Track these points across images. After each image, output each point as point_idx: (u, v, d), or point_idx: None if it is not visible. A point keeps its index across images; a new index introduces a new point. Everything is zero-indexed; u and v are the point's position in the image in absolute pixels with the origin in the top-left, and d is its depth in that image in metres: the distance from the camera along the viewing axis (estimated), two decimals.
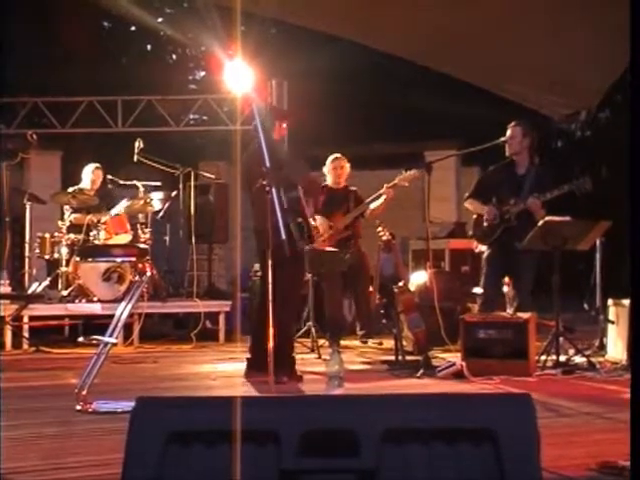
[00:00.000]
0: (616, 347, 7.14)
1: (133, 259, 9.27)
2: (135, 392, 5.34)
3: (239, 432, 2.50)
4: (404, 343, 7.46)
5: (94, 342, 5.67)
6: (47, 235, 9.55)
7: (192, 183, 10.51)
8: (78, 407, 5.09)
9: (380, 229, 7.86)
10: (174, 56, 19.56)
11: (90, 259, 9.29)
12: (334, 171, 8.92)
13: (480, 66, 10.49)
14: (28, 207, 10.05)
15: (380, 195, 8.66)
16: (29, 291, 9.54)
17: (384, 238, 7.83)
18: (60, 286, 9.38)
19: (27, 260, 10.22)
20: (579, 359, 6.95)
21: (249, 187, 6.42)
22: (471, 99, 12.83)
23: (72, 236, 9.43)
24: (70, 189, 9.88)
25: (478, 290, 7.87)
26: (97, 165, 10.12)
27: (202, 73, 19.21)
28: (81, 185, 9.99)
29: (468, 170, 12.77)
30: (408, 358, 7.21)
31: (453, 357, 6.89)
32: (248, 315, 9.24)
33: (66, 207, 9.74)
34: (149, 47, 19.08)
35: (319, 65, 14.33)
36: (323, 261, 8.16)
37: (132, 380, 6.71)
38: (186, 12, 17.00)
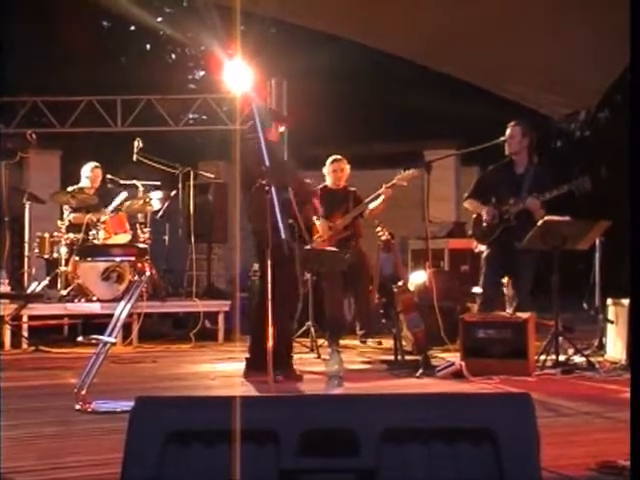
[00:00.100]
0: (615, 347, 7.14)
1: (132, 259, 9.27)
2: (134, 392, 5.34)
3: (238, 432, 2.50)
4: (403, 343, 7.46)
5: (93, 342, 5.66)
6: (46, 235, 9.55)
7: (191, 183, 10.51)
8: (77, 407, 5.09)
9: (379, 229, 7.86)
10: (173, 55, 19.54)
11: (89, 259, 9.28)
12: (334, 173, 8.92)
13: (480, 66, 10.48)
14: (27, 206, 10.06)
15: (379, 195, 8.67)
16: (28, 291, 9.54)
17: (383, 238, 7.83)
18: (59, 285, 9.38)
19: (26, 259, 10.22)
20: (578, 359, 6.94)
21: (248, 186, 6.42)
22: (471, 99, 12.83)
23: (71, 235, 9.43)
24: (69, 188, 9.89)
25: (477, 290, 7.87)
26: (96, 164, 10.12)
27: (202, 72, 19.21)
28: (80, 184, 10.00)
29: (467, 170, 12.76)
30: (407, 358, 7.21)
31: (452, 357, 6.89)
32: (247, 315, 9.23)
33: (65, 207, 9.74)
34: (148, 46, 19.06)
35: (319, 64, 14.32)
36: (323, 261, 8.17)
37: (131, 380, 6.71)
38: (186, 11, 17.01)
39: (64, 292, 9.30)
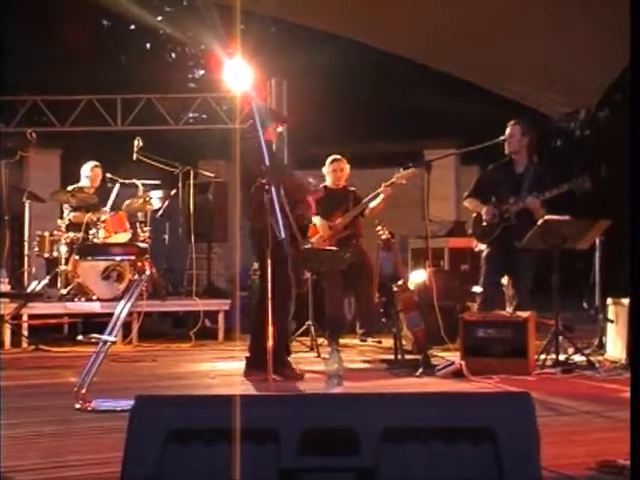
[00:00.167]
0: (615, 346, 7.14)
1: (132, 258, 9.27)
2: (134, 390, 5.35)
3: (238, 431, 2.50)
4: (403, 342, 7.46)
5: (93, 340, 5.66)
6: (46, 233, 9.55)
7: (191, 182, 10.51)
8: (77, 405, 5.09)
9: (379, 228, 7.87)
10: (173, 55, 19.55)
11: (89, 257, 9.29)
12: (333, 173, 8.93)
13: (480, 65, 10.48)
14: (27, 205, 10.06)
15: (378, 194, 8.67)
16: (28, 290, 9.54)
17: (383, 237, 7.83)
18: (59, 284, 9.38)
19: (26, 258, 10.22)
20: (578, 358, 6.94)
21: (247, 185, 6.41)
22: (471, 98, 12.82)
23: (71, 234, 9.43)
24: (69, 187, 9.89)
25: (477, 289, 7.87)
26: (95, 163, 10.12)
27: (201, 72, 19.22)
28: (80, 183, 10.00)
29: (467, 169, 12.76)
30: (407, 357, 7.21)
31: (452, 356, 6.88)
32: (247, 314, 9.23)
33: (65, 205, 9.75)
34: (148, 46, 19.07)
35: (318, 64, 14.32)
36: (323, 260, 8.17)
37: (131, 378, 6.71)
38: (185, 10, 17.01)
39: (64, 291, 9.30)
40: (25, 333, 8.91)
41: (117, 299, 8.07)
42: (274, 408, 2.64)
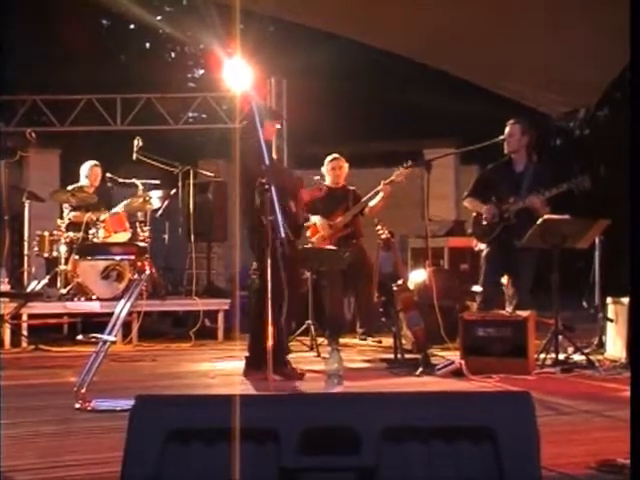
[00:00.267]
0: (615, 345, 7.14)
1: (132, 257, 9.27)
2: (134, 390, 5.36)
3: (238, 430, 2.50)
4: (403, 341, 7.46)
5: (93, 340, 5.67)
6: (46, 233, 9.55)
7: (191, 181, 10.50)
8: (77, 405, 5.09)
9: (379, 227, 7.87)
10: (173, 54, 19.57)
11: (89, 257, 9.29)
12: (332, 171, 8.93)
13: (479, 64, 10.48)
14: (27, 205, 10.06)
15: (378, 192, 8.67)
16: (28, 289, 9.53)
17: (383, 236, 7.83)
18: (59, 284, 9.38)
19: (26, 258, 10.22)
20: (578, 357, 6.94)
21: (247, 184, 6.40)
22: (470, 97, 12.83)
23: (71, 234, 9.43)
24: (69, 187, 9.89)
25: (477, 288, 7.87)
26: (95, 162, 10.12)
27: (201, 71, 19.24)
28: (79, 183, 10.00)
29: (467, 168, 12.77)
30: (407, 356, 7.21)
31: (452, 355, 6.89)
32: (247, 313, 9.23)
33: (65, 205, 9.75)
34: (148, 45, 19.08)
35: (318, 62, 14.32)
36: (322, 259, 8.18)
37: (131, 378, 6.71)
38: (185, 10, 17.03)
39: (64, 291, 9.30)
40: (25, 333, 8.91)
41: (117, 299, 8.06)
42: (274, 408, 2.64)
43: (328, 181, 8.90)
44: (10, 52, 13.84)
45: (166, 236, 10.65)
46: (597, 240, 7.73)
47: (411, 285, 8.13)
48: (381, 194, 8.65)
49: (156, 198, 9.93)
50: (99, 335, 5.32)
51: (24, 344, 8.78)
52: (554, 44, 9.46)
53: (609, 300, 7.37)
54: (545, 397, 5.35)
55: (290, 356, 6.70)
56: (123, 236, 9.59)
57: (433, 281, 7.45)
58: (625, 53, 3.37)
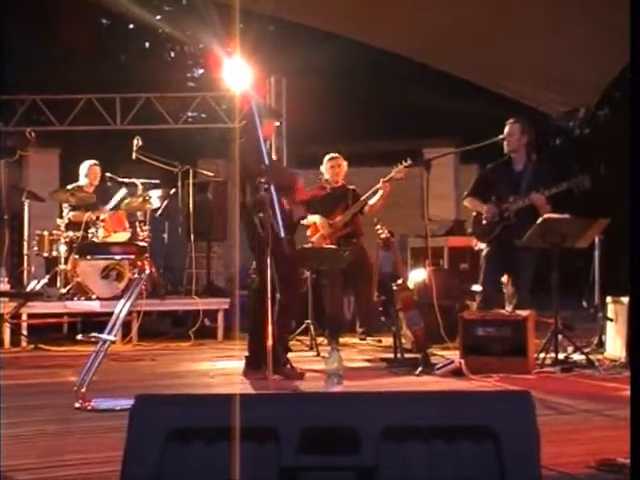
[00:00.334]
0: (615, 344, 7.14)
1: (132, 257, 9.26)
2: (134, 390, 5.36)
3: (238, 429, 2.50)
4: (403, 341, 7.46)
5: (93, 340, 5.66)
6: (46, 233, 9.55)
7: (191, 181, 10.50)
8: (77, 405, 5.09)
9: (379, 227, 7.87)
10: (172, 54, 19.56)
11: (89, 257, 9.28)
12: (332, 169, 8.93)
13: (479, 63, 10.48)
14: (27, 205, 10.06)
15: (377, 190, 8.67)
16: (28, 289, 9.53)
17: (383, 236, 7.83)
18: (59, 284, 9.38)
19: (26, 258, 10.22)
20: (578, 357, 6.94)
21: (246, 183, 6.38)
22: (469, 96, 12.82)
23: (71, 234, 9.43)
24: (69, 187, 9.89)
25: (477, 288, 7.87)
26: (94, 162, 10.12)
27: (201, 71, 19.22)
28: (79, 182, 10.00)
29: (467, 168, 12.77)
30: (407, 356, 7.21)
31: (452, 355, 6.89)
32: (247, 313, 9.24)
33: (65, 205, 9.76)
34: (147, 45, 19.07)
35: (317, 62, 14.32)
36: (322, 259, 8.18)
37: (131, 378, 6.71)
38: (185, 9, 17.02)
39: (63, 290, 9.30)
40: (24, 332, 8.92)
41: (116, 298, 8.07)
42: (274, 407, 2.64)
43: (327, 180, 8.91)
44: (10, 52, 13.83)
45: (166, 235, 10.65)
46: (597, 239, 7.73)
47: (411, 284, 8.13)
48: (380, 192, 8.65)
49: (156, 197, 9.93)
50: (99, 334, 5.32)
51: (24, 343, 8.79)
52: (554, 44, 9.46)
53: (609, 299, 7.37)
54: (545, 396, 5.35)
55: (290, 355, 6.69)
56: (123, 236, 9.59)
57: (433, 280, 7.46)
58: (625, 53, 3.36)
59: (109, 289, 9.18)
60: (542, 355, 6.77)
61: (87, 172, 10.04)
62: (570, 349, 7.05)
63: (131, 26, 17.95)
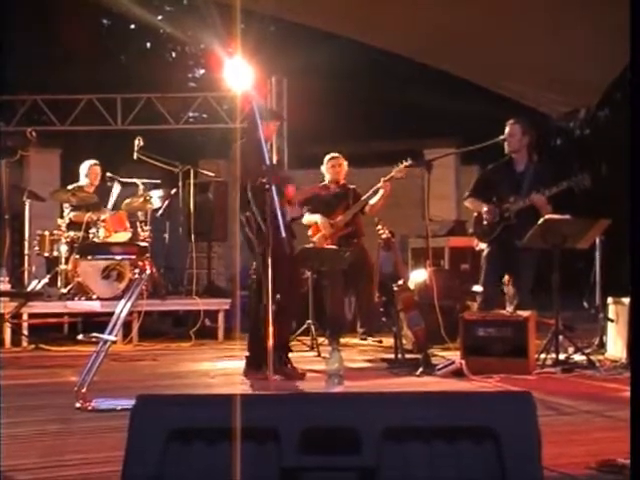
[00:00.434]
0: (616, 345, 7.14)
1: (132, 257, 9.27)
2: (134, 390, 5.36)
3: (239, 430, 2.50)
4: (404, 341, 7.46)
5: (93, 340, 5.67)
6: (46, 233, 9.56)
7: (192, 181, 10.52)
8: (78, 405, 5.09)
9: (379, 227, 7.87)
10: (174, 54, 19.57)
11: (90, 257, 9.29)
12: (332, 169, 8.92)
13: (479, 64, 10.48)
14: (27, 204, 10.07)
15: (378, 190, 8.67)
16: (28, 289, 9.54)
17: (383, 236, 7.84)
18: (59, 284, 9.38)
19: (26, 258, 10.24)
20: (579, 357, 6.94)
21: (246, 183, 6.38)
22: (470, 96, 12.82)
23: (71, 234, 9.44)
24: (69, 187, 9.90)
25: (478, 288, 7.86)
26: (94, 161, 10.13)
27: (202, 71, 19.23)
28: (79, 182, 10.01)
29: (467, 168, 12.77)
30: (408, 356, 7.20)
31: (453, 355, 6.89)
32: (247, 313, 9.24)
33: (65, 205, 9.76)
34: (149, 45, 19.09)
35: (318, 62, 14.33)
36: (323, 259, 8.18)
37: (131, 378, 6.71)
38: (186, 10, 17.03)
39: (64, 290, 9.31)
40: (25, 332, 8.92)
41: (117, 298, 8.07)
42: (274, 407, 2.64)
43: (328, 180, 8.91)
44: (10, 52, 13.84)
45: (166, 236, 10.65)
46: (598, 240, 7.73)
47: (412, 285, 8.13)
48: (381, 192, 8.65)
49: (157, 198, 9.93)
50: (99, 335, 5.32)
51: (24, 343, 8.79)
52: (554, 44, 9.46)
53: (610, 300, 7.37)
54: (546, 397, 5.35)
55: (290, 356, 6.69)
56: (123, 236, 9.59)
57: (434, 281, 7.46)
58: (625, 53, 3.36)
59: (110, 289, 9.19)
60: (543, 356, 6.77)
61: (87, 172, 10.04)
62: (571, 350, 7.05)
63: (132, 26, 17.97)
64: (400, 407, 2.61)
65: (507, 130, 7.48)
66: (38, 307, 9.07)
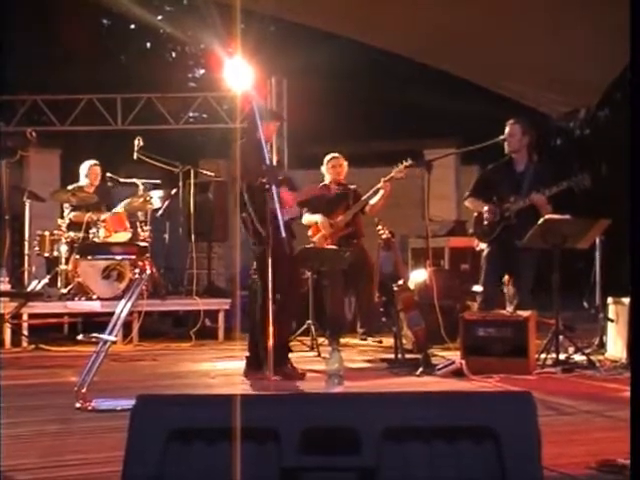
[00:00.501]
0: (616, 345, 7.14)
1: (133, 257, 9.27)
2: (135, 390, 5.36)
3: (239, 430, 2.50)
4: (404, 341, 7.46)
5: (93, 340, 5.67)
6: (47, 233, 9.55)
7: (192, 181, 10.52)
8: (78, 405, 5.09)
9: (380, 227, 7.87)
10: (174, 54, 19.57)
11: (90, 257, 9.29)
12: (333, 169, 8.92)
13: (479, 63, 10.48)
14: (27, 205, 10.07)
15: (378, 190, 8.67)
16: (28, 289, 9.54)
17: (384, 236, 7.84)
18: (59, 284, 9.38)
19: (27, 258, 10.23)
20: (579, 357, 6.94)
21: (247, 182, 6.38)
22: (470, 96, 12.82)
23: (72, 234, 9.44)
24: (69, 187, 9.90)
25: (478, 288, 7.86)
26: (94, 162, 10.13)
27: (202, 71, 19.23)
28: (79, 182, 10.01)
29: (467, 168, 12.77)
30: (408, 356, 7.20)
31: (453, 355, 6.89)
32: (247, 313, 9.24)
33: (65, 205, 9.76)
34: (149, 45, 19.09)
35: (318, 62, 14.33)
36: (323, 259, 8.18)
37: (131, 378, 6.71)
38: (186, 10, 17.03)
39: (64, 290, 9.30)
40: (25, 332, 8.91)
41: (117, 298, 8.07)
42: (275, 407, 2.64)
43: (328, 180, 8.91)
44: (10, 52, 13.84)
45: (167, 236, 10.65)
46: (598, 240, 7.73)
47: (412, 285, 8.13)
48: (381, 192, 8.64)
49: (157, 198, 9.92)
50: (100, 335, 5.32)
51: (24, 344, 8.79)
52: (554, 44, 9.46)
53: (610, 300, 7.37)
54: (546, 397, 5.35)
55: (291, 356, 6.69)
56: (124, 236, 9.59)
57: (434, 281, 7.46)
58: (625, 53, 3.36)
59: (110, 289, 9.19)
60: (543, 356, 6.77)
61: (87, 172, 10.04)
62: (571, 350, 7.05)
63: (132, 26, 17.96)
64: (400, 407, 2.61)
65: (507, 130, 7.48)
66: (38, 307, 9.07)
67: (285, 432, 2.51)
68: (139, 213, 9.95)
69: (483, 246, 7.74)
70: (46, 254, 9.60)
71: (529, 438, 2.47)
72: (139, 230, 9.70)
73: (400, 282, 7.84)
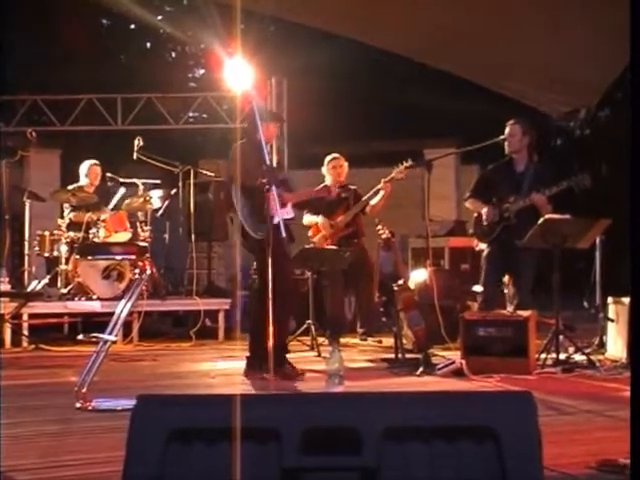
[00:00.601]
0: (616, 345, 7.14)
1: (133, 257, 9.27)
2: (135, 390, 5.36)
3: (239, 430, 2.50)
4: (404, 341, 7.46)
5: (94, 340, 5.67)
6: (47, 233, 9.55)
7: (192, 181, 10.52)
8: (78, 405, 5.09)
9: (380, 227, 7.87)
10: (174, 54, 19.58)
11: (90, 257, 9.29)
12: (333, 170, 8.91)
13: (479, 63, 10.48)
14: (27, 205, 10.07)
15: (378, 190, 8.66)
16: (29, 289, 9.54)
17: (384, 236, 7.84)
18: (60, 284, 9.38)
19: (27, 258, 10.24)
20: (579, 357, 6.94)
21: (243, 183, 6.36)
22: (470, 96, 12.82)
23: (72, 234, 9.44)
24: (69, 187, 9.89)
25: (478, 288, 7.86)
26: (94, 162, 10.12)
27: (202, 71, 19.24)
28: (79, 182, 10.01)
29: (467, 168, 12.77)
30: (408, 356, 7.20)
31: (453, 355, 6.89)
32: (247, 313, 9.24)
33: (65, 205, 9.76)
34: (149, 45, 19.10)
35: (317, 62, 14.33)
36: (323, 259, 8.17)
37: (132, 378, 6.71)
38: (186, 10, 17.04)
39: (64, 290, 9.30)
40: (25, 332, 8.91)
41: (117, 298, 8.07)
42: (275, 407, 2.64)
43: (329, 181, 8.90)
44: (10, 52, 13.84)
45: (167, 236, 10.65)
46: (598, 240, 7.73)
47: (412, 285, 8.13)
48: (382, 192, 8.63)
49: (157, 198, 9.93)
50: (100, 335, 5.32)
51: (25, 344, 8.79)
52: (554, 44, 9.46)
53: (610, 300, 7.37)
54: (546, 397, 5.35)
55: (291, 356, 6.69)
56: (124, 236, 9.59)
57: (434, 281, 7.45)
58: (625, 53, 3.36)
59: (110, 289, 9.18)
60: (543, 355, 6.77)
61: (87, 172, 10.04)
62: (571, 350, 7.05)
63: (132, 26, 17.97)
64: (400, 407, 2.60)
65: (507, 130, 7.47)
66: (38, 307, 9.07)
67: (286, 432, 2.51)
68: (139, 213, 9.95)
69: (483, 246, 7.73)
70: (46, 254, 9.60)
71: (529, 438, 2.47)
72: (139, 230, 9.70)
73: (400, 282, 7.84)
